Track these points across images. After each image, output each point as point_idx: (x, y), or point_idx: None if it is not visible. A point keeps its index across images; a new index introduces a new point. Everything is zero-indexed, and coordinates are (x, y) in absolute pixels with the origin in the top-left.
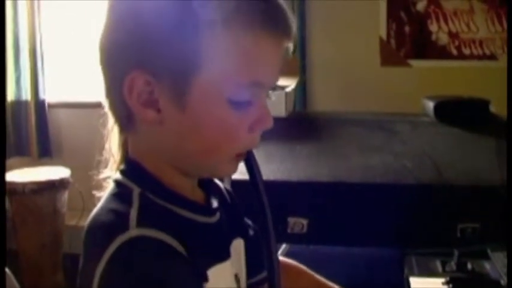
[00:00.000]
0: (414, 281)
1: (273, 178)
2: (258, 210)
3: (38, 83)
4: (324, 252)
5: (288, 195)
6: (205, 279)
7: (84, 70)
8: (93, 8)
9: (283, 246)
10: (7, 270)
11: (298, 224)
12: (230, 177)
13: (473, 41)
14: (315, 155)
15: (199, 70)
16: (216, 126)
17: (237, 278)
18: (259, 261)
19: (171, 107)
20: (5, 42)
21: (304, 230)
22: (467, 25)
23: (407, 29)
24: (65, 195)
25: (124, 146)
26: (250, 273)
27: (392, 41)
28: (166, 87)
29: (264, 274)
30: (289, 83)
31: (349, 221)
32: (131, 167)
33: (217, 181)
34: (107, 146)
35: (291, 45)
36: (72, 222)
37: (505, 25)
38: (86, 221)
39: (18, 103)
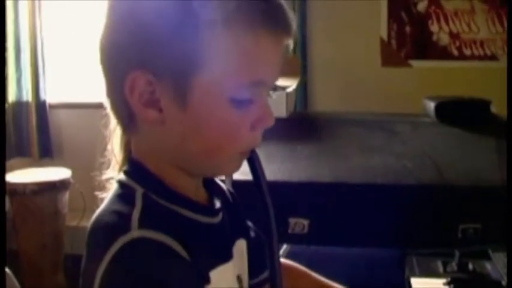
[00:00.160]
0: (415, 282)
1: (274, 178)
2: (260, 211)
3: (38, 83)
4: (325, 253)
5: (289, 196)
6: (207, 280)
7: (84, 71)
8: (93, 9)
9: (284, 246)
10: (8, 270)
11: (299, 224)
12: (231, 178)
13: (474, 42)
14: (315, 155)
15: (200, 70)
16: (218, 125)
17: (239, 279)
18: (260, 262)
19: (173, 106)
20: (5, 42)
21: (305, 230)
22: (468, 25)
23: (408, 29)
24: (66, 196)
25: (126, 146)
26: (251, 274)
27: (393, 42)
28: (168, 87)
29: (265, 275)
30: (290, 84)
31: (350, 221)
32: (134, 168)
33: (219, 182)
34: (109, 146)
35: (291, 43)
36: (73, 223)
37: (506, 25)
38: (89, 222)
39: (19, 104)
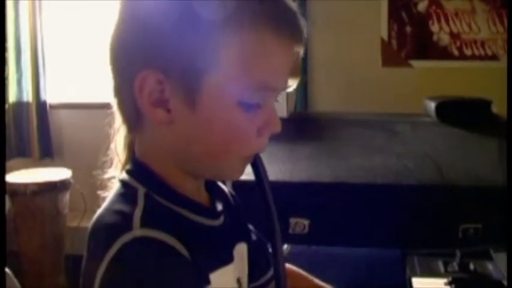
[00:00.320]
0: (416, 282)
1: (275, 179)
2: (262, 213)
3: (39, 84)
4: (326, 253)
5: (289, 196)
6: (207, 282)
7: (85, 71)
8: (94, 9)
9: (285, 246)
10: (8, 271)
11: (299, 224)
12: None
13: (475, 42)
14: (316, 155)
15: (210, 71)
16: (225, 128)
17: (239, 282)
18: (261, 265)
19: (181, 107)
20: (6, 42)
21: (306, 230)
22: (469, 25)
23: (408, 29)
24: (67, 196)
25: (130, 146)
26: (252, 278)
27: (394, 42)
28: (178, 87)
29: (265, 278)
30: (290, 84)
31: (351, 221)
32: (137, 167)
33: (221, 185)
34: (112, 145)
35: (301, 50)
36: (74, 224)
37: (506, 25)
38: (89, 222)
39: (20, 104)
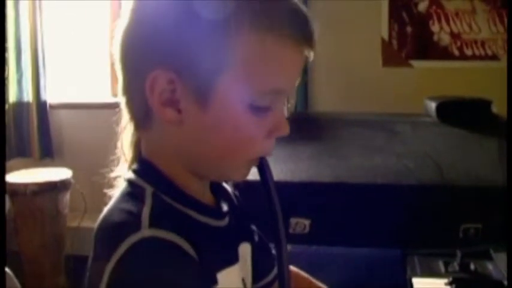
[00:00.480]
0: (417, 282)
1: (275, 179)
2: (263, 212)
3: (39, 84)
4: (326, 253)
5: (290, 196)
6: (214, 282)
7: (85, 71)
8: (94, 9)
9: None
10: (9, 271)
11: (300, 224)
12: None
13: (475, 42)
14: (316, 155)
15: (224, 72)
16: (235, 129)
17: (243, 282)
18: (264, 266)
19: (192, 107)
20: (6, 43)
21: (306, 230)
22: (469, 25)
23: (409, 29)
24: (67, 197)
25: (136, 145)
26: (255, 278)
27: (394, 42)
28: (190, 87)
29: (268, 279)
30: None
31: (352, 221)
32: (144, 167)
33: (225, 185)
34: (118, 144)
35: (311, 54)
36: (74, 224)
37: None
38: (90, 221)
39: (20, 104)
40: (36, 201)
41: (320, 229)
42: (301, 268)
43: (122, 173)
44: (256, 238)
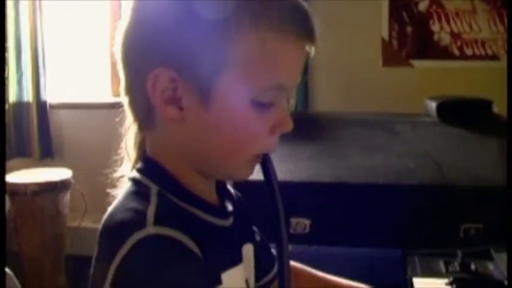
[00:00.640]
0: (417, 282)
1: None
2: (263, 211)
3: (39, 84)
4: (327, 253)
5: (291, 196)
6: (219, 282)
7: (85, 71)
8: (94, 9)
9: None
10: (9, 271)
11: (300, 224)
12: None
13: (476, 41)
14: (317, 155)
15: (225, 69)
16: (238, 126)
17: (247, 282)
18: (265, 266)
19: (194, 105)
20: (6, 42)
21: (307, 230)
22: (470, 25)
23: (409, 29)
24: (67, 197)
25: (140, 144)
26: (257, 277)
27: (394, 42)
28: (191, 85)
29: (268, 278)
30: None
31: (352, 221)
32: (149, 166)
33: (229, 187)
34: (122, 145)
35: (313, 49)
36: (74, 224)
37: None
38: (89, 223)
39: (20, 104)
40: (36, 201)
41: (320, 229)
42: None
43: (125, 172)
44: (257, 238)
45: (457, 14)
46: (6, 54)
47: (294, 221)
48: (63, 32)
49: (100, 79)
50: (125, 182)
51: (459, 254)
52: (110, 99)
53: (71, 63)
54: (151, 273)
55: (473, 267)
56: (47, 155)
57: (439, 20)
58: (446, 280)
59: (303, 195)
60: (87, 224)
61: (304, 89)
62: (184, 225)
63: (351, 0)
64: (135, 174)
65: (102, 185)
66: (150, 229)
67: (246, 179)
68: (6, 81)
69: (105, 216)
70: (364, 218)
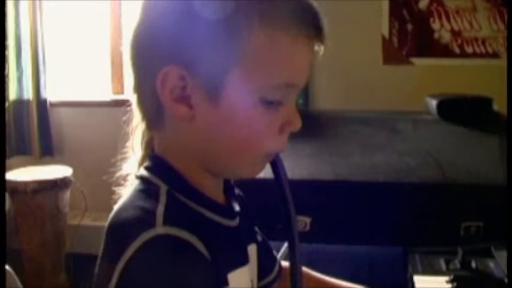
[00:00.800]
0: (418, 280)
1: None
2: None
3: (39, 81)
4: (327, 251)
5: (291, 193)
6: (225, 283)
7: (85, 69)
8: (94, 7)
9: (286, 244)
10: (10, 269)
11: (301, 222)
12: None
13: (476, 39)
14: (317, 153)
15: (234, 67)
16: (247, 124)
17: (252, 283)
18: (267, 266)
19: (204, 103)
20: (6, 40)
21: (307, 228)
22: (470, 23)
23: (409, 27)
24: (67, 195)
25: (148, 143)
26: (258, 278)
27: (395, 39)
28: (201, 83)
29: (270, 278)
30: None
31: (353, 219)
32: (158, 164)
33: (235, 187)
34: (128, 142)
35: (321, 49)
36: (74, 222)
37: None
38: (89, 221)
39: (20, 102)
40: (37, 200)
41: (321, 227)
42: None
43: (129, 170)
44: (259, 238)
45: (457, 12)
46: (7, 52)
47: None
48: (63, 30)
49: (100, 77)
50: (131, 180)
51: (460, 251)
52: (110, 97)
53: (71, 61)
54: (159, 273)
55: (473, 265)
56: (47, 153)
57: (440, 17)
58: (447, 278)
59: (303, 193)
60: (87, 222)
61: (305, 87)
62: (193, 225)
63: None
64: (142, 172)
65: (103, 183)
66: (159, 229)
67: (254, 177)
68: (6, 79)
69: (111, 214)
70: (364, 216)
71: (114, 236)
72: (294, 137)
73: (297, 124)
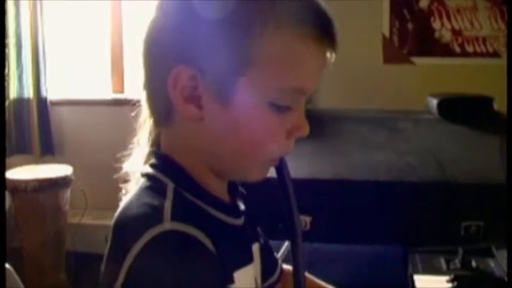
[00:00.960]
0: (418, 279)
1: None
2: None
3: (40, 80)
4: (328, 250)
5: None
6: (231, 281)
7: (86, 67)
8: (95, 5)
9: (286, 244)
10: (10, 267)
11: (301, 221)
12: None
13: (477, 38)
14: (317, 152)
15: (246, 70)
16: (256, 127)
17: (256, 281)
18: (270, 266)
19: (214, 104)
20: (6, 39)
21: (307, 227)
22: (471, 22)
23: (410, 26)
24: (67, 193)
25: (155, 141)
26: (262, 278)
27: (395, 39)
28: (212, 84)
29: (273, 278)
30: None
31: (353, 218)
32: (164, 162)
33: (240, 187)
34: (135, 139)
35: (333, 56)
36: (75, 220)
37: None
38: (90, 219)
39: (21, 101)
40: (37, 198)
41: (321, 226)
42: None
43: (130, 169)
44: (261, 239)
45: (458, 11)
46: (7, 51)
47: None
48: (64, 28)
49: (100, 76)
50: (136, 178)
51: (460, 251)
52: (111, 96)
53: (71, 59)
54: (166, 269)
55: (474, 264)
56: (48, 151)
57: (440, 17)
58: (447, 277)
59: (303, 192)
60: (87, 220)
61: None
62: (200, 222)
63: None
64: (148, 170)
65: (103, 181)
66: (167, 225)
67: (260, 180)
68: (6, 78)
69: (117, 212)
70: (365, 216)
71: (120, 233)
72: None
73: (305, 130)
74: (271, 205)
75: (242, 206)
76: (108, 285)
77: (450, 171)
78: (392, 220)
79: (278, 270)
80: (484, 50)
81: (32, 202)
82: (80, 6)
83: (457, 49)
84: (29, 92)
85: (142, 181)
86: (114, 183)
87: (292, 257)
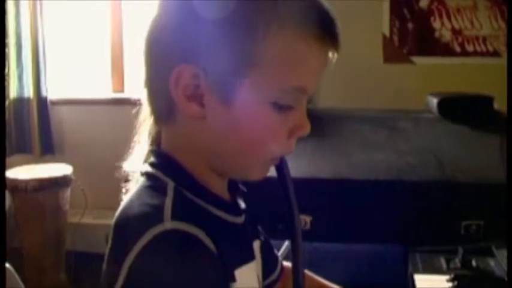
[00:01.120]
0: (419, 278)
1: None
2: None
3: (40, 80)
4: (328, 250)
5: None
6: (233, 279)
7: (86, 67)
8: (95, 5)
9: (286, 243)
10: (10, 267)
11: (301, 220)
12: None
13: (477, 38)
14: (317, 151)
15: (248, 70)
16: (258, 126)
17: (258, 279)
18: (270, 264)
19: (216, 103)
20: (6, 38)
21: (307, 227)
22: (471, 22)
23: (410, 25)
24: (67, 193)
25: (155, 139)
26: (263, 276)
27: (395, 38)
28: (214, 83)
29: (274, 276)
30: None
31: (353, 218)
32: (165, 161)
33: (240, 185)
34: (135, 138)
35: (335, 56)
36: (75, 220)
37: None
38: (90, 219)
39: (21, 100)
40: (37, 198)
41: (321, 225)
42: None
43: (130, 168)
44: (261, 236)
45: (458, 11)
46: (7, 50)
47: None
48: (64, 28)
49: (100, 75)
50: (136, 177)
51: (460, 250)
52: (111, 95)
53: (71, 59)
54: (167, 268)
55: (474, 263)
56: (48, 151)
57: (440, 16)
58: (447, 277)
59: (303, 192)
60: (87, 220)
61: None
62: (200, 221)
63: None
64: (148, 169)
65: (103, 181)
66: (167, 224)
67: (261, 179)
68: (6, 77)
69: (118, 212)
70: (365, 215)
71: (121, 233)
72: None
73: (307, 129)
74: (272, 204)
75: (242, 204)
76: (108, 285)
77: (450, 171)
78: (392, 219)
79: (279, 268)
80: (484, 49)
81: (32, 202)
82: (80, 6)
83: (457, 48)
84: (29, 92)
85: (142, 180)
86: (114, 182)
87: (292, 256)
